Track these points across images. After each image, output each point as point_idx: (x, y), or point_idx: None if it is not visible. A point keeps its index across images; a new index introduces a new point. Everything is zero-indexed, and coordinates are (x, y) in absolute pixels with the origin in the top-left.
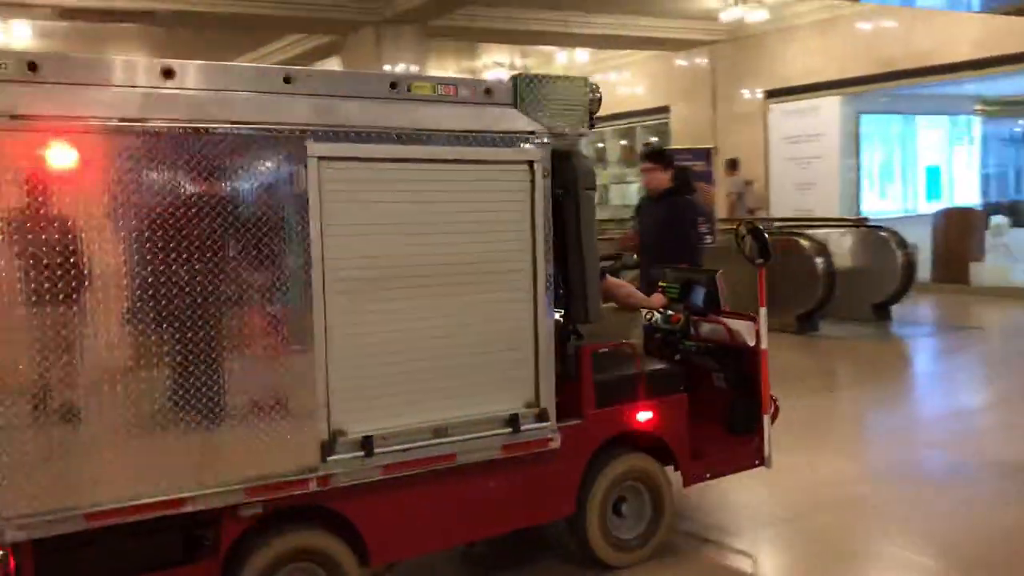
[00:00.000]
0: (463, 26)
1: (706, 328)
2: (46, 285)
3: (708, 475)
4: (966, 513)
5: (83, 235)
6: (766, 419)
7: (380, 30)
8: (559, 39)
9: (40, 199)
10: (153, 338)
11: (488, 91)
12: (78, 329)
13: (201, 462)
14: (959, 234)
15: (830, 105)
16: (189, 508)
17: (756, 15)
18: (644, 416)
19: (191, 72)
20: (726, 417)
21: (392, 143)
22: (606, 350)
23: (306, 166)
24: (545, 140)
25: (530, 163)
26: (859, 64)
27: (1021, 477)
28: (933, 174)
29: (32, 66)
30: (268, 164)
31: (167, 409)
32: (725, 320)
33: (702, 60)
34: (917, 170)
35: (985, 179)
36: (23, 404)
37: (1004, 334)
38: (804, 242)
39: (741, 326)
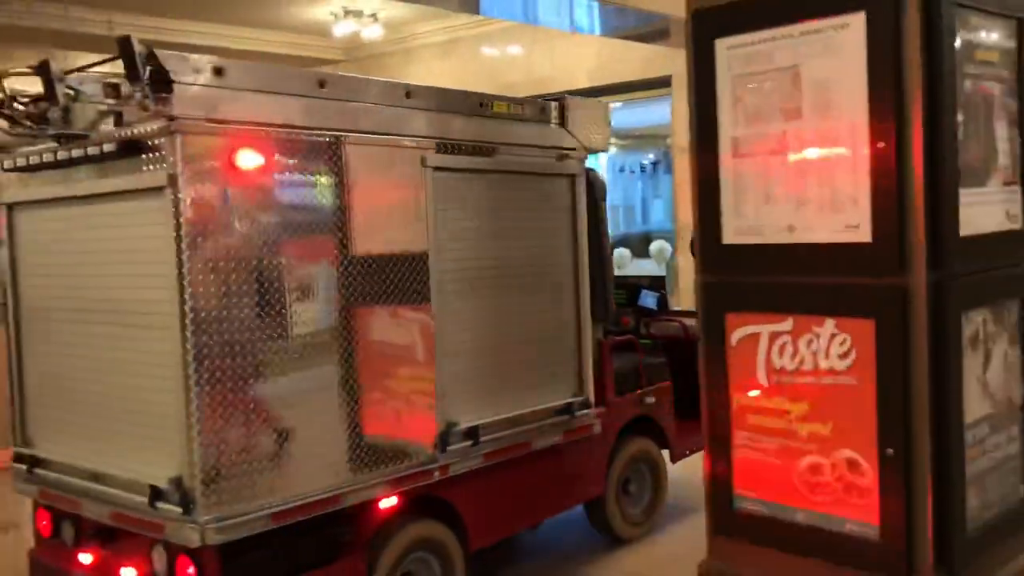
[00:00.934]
0: None
1: (657, 326)
2: (237, 288)
3: (688, 452)
4: None
5: (260, 237)
6: None
7: None
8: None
9: (225, 199)
10: (328, 340)
11: (543, 110)
12: (264, 337)
13: (354, 458)
14: None
15: None
16: (348, 503)
17: (371, 31)
18: (649, 402)
19: (337, 83)
20: (680, 404)
21: (481, 156)
22: (616, 344)
23: (424, 175)
24: (582, 156)
25: (572, 176)
26: (482, 89)
27: None
28: None
29: (219, 71)
30: (397, 173)
31: (337, 406)
32: (681, 318)
33: None
34: None
35: (613, 211)
36: (222, 408)
37: None
38: None
39: (695, 323)
